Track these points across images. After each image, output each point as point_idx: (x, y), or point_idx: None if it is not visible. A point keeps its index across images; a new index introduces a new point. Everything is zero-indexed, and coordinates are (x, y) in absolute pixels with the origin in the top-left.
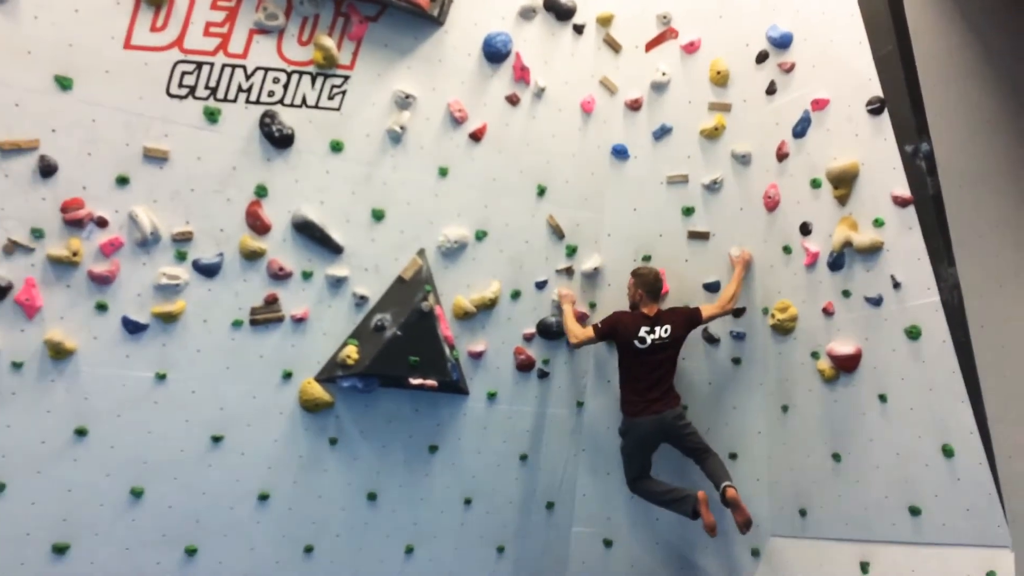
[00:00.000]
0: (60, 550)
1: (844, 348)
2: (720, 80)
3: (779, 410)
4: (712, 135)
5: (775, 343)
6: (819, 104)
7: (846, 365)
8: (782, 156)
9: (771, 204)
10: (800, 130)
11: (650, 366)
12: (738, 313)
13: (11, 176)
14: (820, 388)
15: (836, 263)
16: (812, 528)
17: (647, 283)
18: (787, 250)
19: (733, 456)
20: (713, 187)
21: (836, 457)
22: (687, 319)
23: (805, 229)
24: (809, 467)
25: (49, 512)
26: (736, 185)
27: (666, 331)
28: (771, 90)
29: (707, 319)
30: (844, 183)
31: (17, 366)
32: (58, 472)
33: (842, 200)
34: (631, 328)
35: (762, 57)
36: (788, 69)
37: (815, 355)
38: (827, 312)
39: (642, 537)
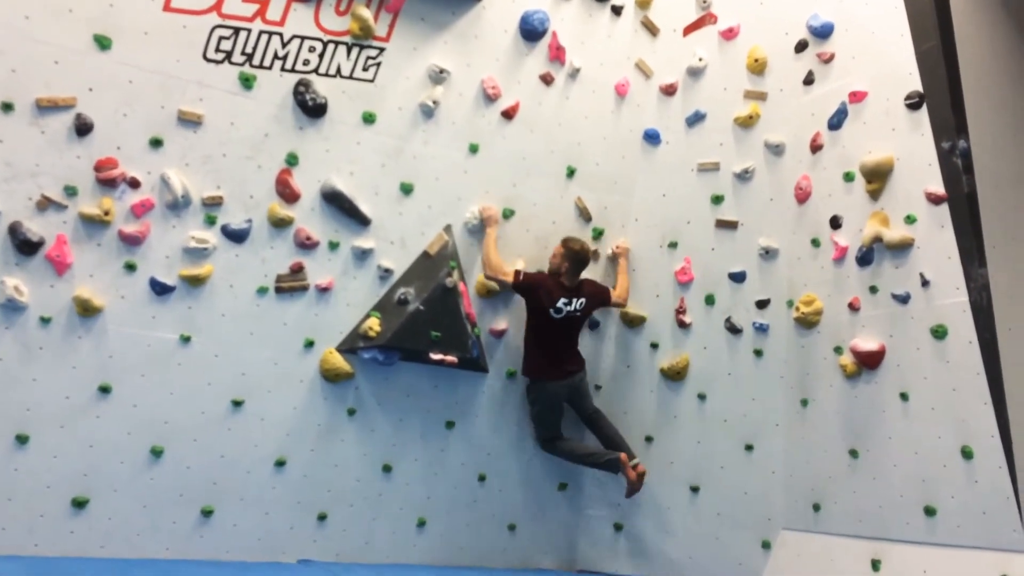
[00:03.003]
0: (80, 504)
1: (868, 344)
2: (757, 68)
3: (799, 404)
4: (746, 123)
5: (798, 336)
6: (857, 96)
7: (869, 361)
8: (816, 148)
9: (802, 196)
10: (836, 122)
11: (561, 332)
12: (762, 304)
13: (47, 133)
14: (841, 383)
15: (865, 258)
16: (825, 523)
17: (577, 258)
18: (816, 243)
19: (749, 448)
20: (744, 176)
21: (853, 453)
22: (599, 298)
23: (835, 222)
24: (826, 462)
25: (71, 466)
26: (768, 175)
27: (581, 304)
28: (809, 80)
29: (612, 304)
30: (878, 177)
31: (45, 321)
32: (81, 428)
33: (875, 195)
34: (551, 295)
35: (801, 46)
36: (827, 60)
37: (838, 350)
38: (853, 307)
39: (652, 524)
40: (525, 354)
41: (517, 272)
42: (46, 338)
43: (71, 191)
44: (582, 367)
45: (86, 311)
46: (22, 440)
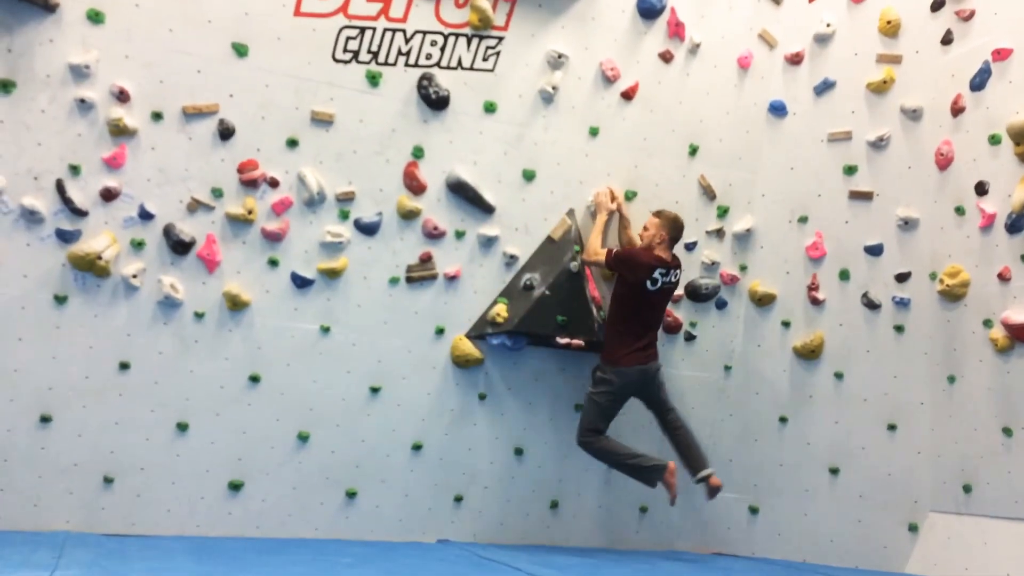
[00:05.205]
0: (235, 487)
1: (1021, 316)
2: (890, 30)
3: (945, 380)
4: (880, 89)
5: (943, 310)
6: (1001, 54)
7: (1022, 334)
8: (957, 111)
9: (943, 162)
10: (978, 82)
11: (650, 309)
12: (902, 278)
13: (194, 139)
14: (992, 358)
15: (1015, 225)
16: (977, 505)
17: (676, 228)
18: (960, 211)
19: (892, 427)
20: (879, 144)
21: (1007, 431)
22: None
23: (981, 188)
24: (977, 441)
25: (226, 451)
26: (905, 142)
27: (676, 276)
28: (947, 40)
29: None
30: None
31: (199, 316)
32: (234, 415)
33: None
34: (647, 268)
35: (938, 5)
36: (967, 17)
37: (988, 323)
38: (1003, 278)
39: (789, 506)
40: (608, 336)
41: (610, 251)
42: (200, 332)
43: (217, 193)
44: (656, 357)
45: (235, 305)
46: (182, 428)
